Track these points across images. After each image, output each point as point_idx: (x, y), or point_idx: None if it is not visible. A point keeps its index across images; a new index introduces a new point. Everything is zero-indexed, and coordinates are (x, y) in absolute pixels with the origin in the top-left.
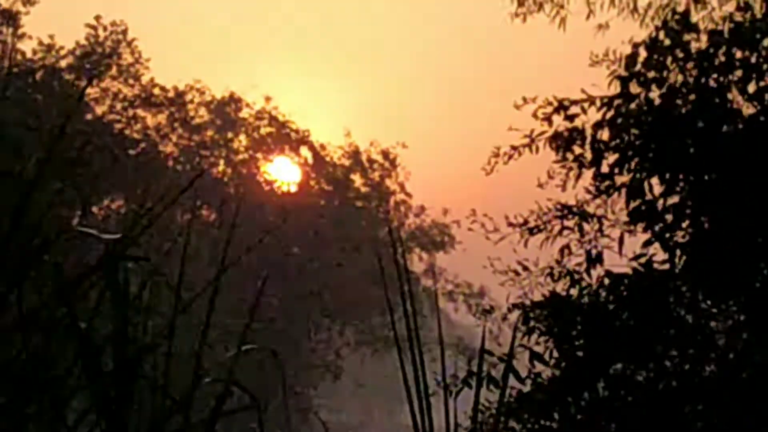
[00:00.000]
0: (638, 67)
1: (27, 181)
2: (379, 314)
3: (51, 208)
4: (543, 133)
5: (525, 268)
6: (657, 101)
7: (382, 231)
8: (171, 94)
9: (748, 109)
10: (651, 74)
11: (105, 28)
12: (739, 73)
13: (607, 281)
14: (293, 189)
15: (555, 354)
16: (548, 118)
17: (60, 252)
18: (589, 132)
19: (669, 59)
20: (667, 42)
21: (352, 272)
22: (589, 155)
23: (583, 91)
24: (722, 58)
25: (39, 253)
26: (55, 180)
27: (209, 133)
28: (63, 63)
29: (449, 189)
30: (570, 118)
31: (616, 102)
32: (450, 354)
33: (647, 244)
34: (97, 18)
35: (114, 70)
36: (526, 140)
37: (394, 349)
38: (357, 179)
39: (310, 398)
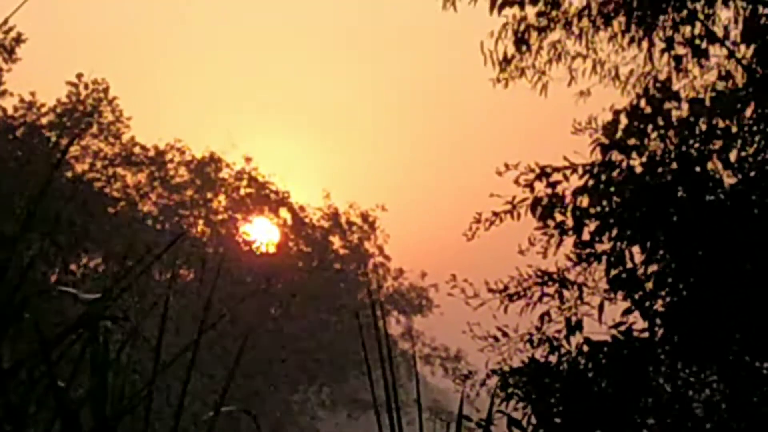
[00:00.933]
0: (619, 134)
1: (9, 238)
2: (354, 376)
3: (31, 265)
4: (525, 199)
5: (504, 334)
6: (638, 169)
7: (361, 293)
8: (151, 153)
9: (729, 179)
10: (632, 141)
11: (86, 86)
12: (720, 142)
13: (586, 348)
14: (272, 250)
15: (533, 420)
16: (530, 185)
17: (39, 310)
18: (569, 199)
19: (650, 127)
20: (648, 110)
21: (330, 334)
22: (570, 222)
23: (565, 158)
24: (703, 127)
25: (19, 311)
26: (36, 238)
27: (189, 192)
28: (44, 120)
29: (428, 253)
30: (552, 185)
31: (597, 169)
32: (426, 417)
33: (627, 312)
34: (79, 76)
35: (95, 128)
36: (508, 206)
37: (370, 411)
38: (336, 241)
39: None
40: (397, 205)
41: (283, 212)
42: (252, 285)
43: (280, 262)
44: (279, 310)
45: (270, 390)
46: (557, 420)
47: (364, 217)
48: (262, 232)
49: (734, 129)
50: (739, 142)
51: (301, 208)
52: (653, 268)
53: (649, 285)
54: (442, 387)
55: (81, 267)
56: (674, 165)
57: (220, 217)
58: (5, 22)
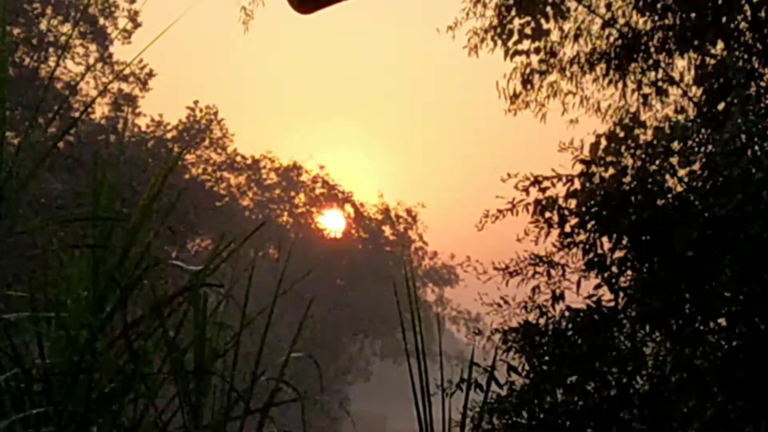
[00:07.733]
0: (600, 153)
1: (134, 224)
2: (399, 332)
3: (150, 244)
4: (522, 200)
5: (505, 302)
6: (609, 180)
7: (404, 269)
8: (249, 161)
9: (677, 188)
10: (609, 158)
11: (201, 110)
12: (675, 159)
13: (567, 314)
14: (339, 236)
15: (526, 367)
16: (526, 190)
17: (156, 278)
18: (560, 201)
19: (623, 147)
20: (622, 134)
21: (381, 299)
22: (556, 218)
23: (552, 170)
24: (661, 149)
25: (140, 279)
26: (156, 224)
27: (276, 191)
28: (168, 135)
29: (455, 239)
30: (543, 190)
31: (579, 179)
32: (455, 363)
33: (598, 287)
34: (195, 102)
35: (206, 142)
36: (509, 206)
37: (412, 358)
38: (387, 230)
39: (346, 394)
40: (434, 202)
41: (348, 207)
42: (322, 261)
43: (345, 245)
44: (342, 281)
45: (335, 342)
46: (544, 367)
47: (409, 212)
48: (331, 222)
49: (686, 151)
50: (688, 160)
51: (361, 205)
52: (618, 254)
53: (615, 267)
54: (466, 342)
55: (196, 245)
56: (637, 176)
57: (299, 210)
58: (140, 60)
